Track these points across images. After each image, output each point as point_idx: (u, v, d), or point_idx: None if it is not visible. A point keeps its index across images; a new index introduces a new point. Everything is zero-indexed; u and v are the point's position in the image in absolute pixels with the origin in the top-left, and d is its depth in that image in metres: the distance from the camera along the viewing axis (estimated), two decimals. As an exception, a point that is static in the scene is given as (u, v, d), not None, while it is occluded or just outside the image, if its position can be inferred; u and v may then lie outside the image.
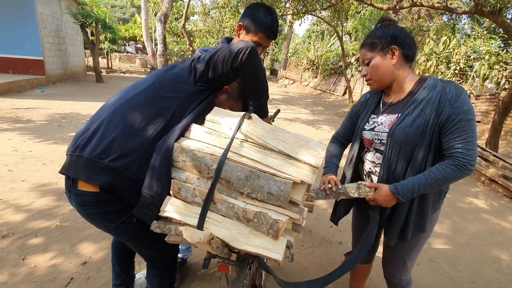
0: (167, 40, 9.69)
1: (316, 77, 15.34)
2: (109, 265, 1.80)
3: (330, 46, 15.87)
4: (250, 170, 0.85)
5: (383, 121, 1.13)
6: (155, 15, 14.02)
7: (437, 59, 7.16)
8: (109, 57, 17.09)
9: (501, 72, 5.81)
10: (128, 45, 28.36)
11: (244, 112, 0.99)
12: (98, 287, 1.65)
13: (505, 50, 6.30)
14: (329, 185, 1.13)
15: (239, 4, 9.32)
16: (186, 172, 0.93)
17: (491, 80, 6.21)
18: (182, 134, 0.97)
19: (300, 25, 15.90)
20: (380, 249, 1.41)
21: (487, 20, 7.81)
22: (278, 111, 2.06)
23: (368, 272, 1.56)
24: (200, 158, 0.89)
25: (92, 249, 1.95)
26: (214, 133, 0.96)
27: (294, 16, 8.89)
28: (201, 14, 11.94)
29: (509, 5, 3.89)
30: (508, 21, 3.97)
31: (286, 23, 18.69)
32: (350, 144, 1.34)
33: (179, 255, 1.78)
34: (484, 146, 4.73)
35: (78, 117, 5.61)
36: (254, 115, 0.97)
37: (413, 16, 10.50)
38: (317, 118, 8.20)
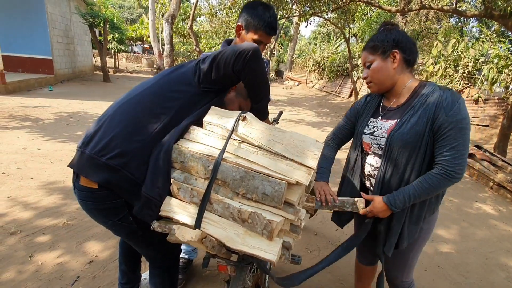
0: (173, 40, 9.76)
1: (321, 78, 15.29)
2: (115, 264, 1.81)
3: (336, 48, 15.83)
4: (245, 170, 0.85)
5: (382, 126, 1.14)
6: (162, 16, 14.14)
7: (445, 62, 7.09)
8: (116, 57, 17.28)
9: (510, 76, 5.72)
10: (135, 45, 28.65)
11: (239, 112, 0.98)
12: (104, 286, 1.65)
13: (514, 54, 6.20)
14: (325, 197, 1.18)
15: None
16: (184, 172, 0.95)
17: (499, 84, 6.11)
18: (182, 135, 0.98)
19: (306, 26, 15.93)
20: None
21: (495, 23, 7.71)
22: (281, 113, 2.05)
23: (373, 274, 1.55)
24: (197, 159, 0.90)
25: (99, 247, 1.97)
26: (212, 134, 0.97)
27: (301, 18, 8.89)
28: (208, 15, 12.00)
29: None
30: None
31: (292, 25, 18.69)
32: (350, 146, 1.34)
33: (185, 256, 1.79)
34: (492, 151, 4.66)
35: (86, 116, 5.68)
36: (249, 115, 0.96)
37: (421, 19, 10.41)
38: (322, 120, 8.17)
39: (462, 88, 6.99)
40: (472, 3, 11.13)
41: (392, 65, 1.07)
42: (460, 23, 12.90)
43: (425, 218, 1.15)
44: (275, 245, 0.83)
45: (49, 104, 6.40)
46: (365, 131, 1.21)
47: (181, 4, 11.02)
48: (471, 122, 6.63)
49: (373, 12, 11.93)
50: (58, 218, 2.26)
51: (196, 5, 9.25)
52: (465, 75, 6.91)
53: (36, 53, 9.49)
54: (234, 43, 1.39)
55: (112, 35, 13.56)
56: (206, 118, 0.99)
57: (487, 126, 6.34)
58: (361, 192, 1.21)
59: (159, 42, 13.21)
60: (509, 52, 5.94)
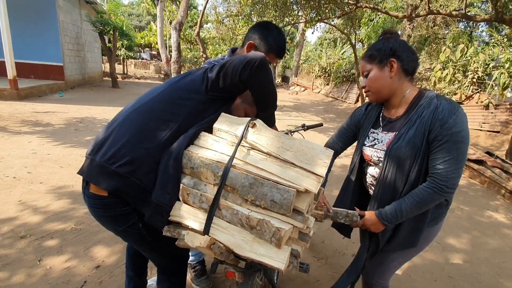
0: (181, 47, 9.92)
1: (328, 84, 15.27)
2: (122, 269, 1.82)
3: (343, 54, 15.82)
4: (254, 177, 0.85)
5: (383, 139, 1.13)
6: (170, 23, 14.40)
7: (453, 67, 7.00)
8: (125, 63, 17.63)
9: (522, 81, 5.61)
10: (144, 51, 29.21)
11: (249, 119, 0.99)
12: (110, 292, 1.66)
13: (526, 59, 6.08)
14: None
15: (252, 12, 9.46)
16: (194, 178, 0.95)
17: (511, 89, 6.00)
18: (192, 142, 0.98)
19: (312, 33, 16.00)
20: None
21: (507, 27, 7.60)
22: (321, 125, 2.04)
23: None
24: (207, 165, 0.91)
25: (106, 252, 1.98)
26: (222, 141, 0.98)
27: (307, 24, 8.94)
28: (215, 22, 12.18)
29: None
30: (530, 29, 3.85)
31: (298, 31, 18.79)
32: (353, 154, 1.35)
33: (196, 259, 1.79)
34: (504, 158, 4.55)
35: (94, 121, 5.77)
36: (258, 122, 0.97)
37: (428, 24, 10.35)
38: (328, 125, 8.12)
39: (472, 93, 6.88)
40: (482, 7, 11.03)
41: (390, 74, 1.06)
42: (469, 28, 12.77)
43: (420, 230, 1.11)
44: (283, 253, 0.83)
45: (60, 109, 6.54)
46: (365, 143, 1.20)
47: (188, 12, 11.22)
48: (481, 128, 6.51)
49: (380, 18, 11.92)
50: (66, 222, 2.28)
51: (203, 13, 9.40)
52: (474, 80, 6.81)
53: (48, 60, 9.75)
54: (241, 53, 1.40)
55: (121, 42, 13.86)
56: (216, 125, 1.00)
57: (498, 132, 6.20)
58: (355, 208, 1.21)
59: (167, 48, 13.44)
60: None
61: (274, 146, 0.91)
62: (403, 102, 1.09)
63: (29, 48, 9.37)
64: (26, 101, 7.14)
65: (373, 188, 1.20)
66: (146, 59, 27.70)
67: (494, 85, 6.32)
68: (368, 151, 1.18)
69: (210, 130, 1.02)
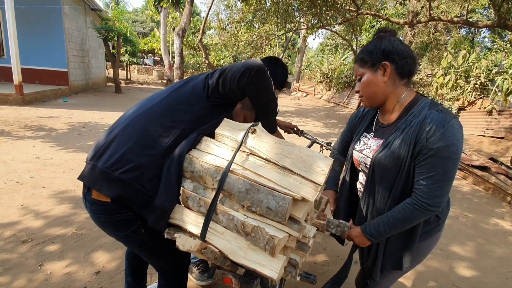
0: (184, 53, 10.02)
1: (329, 90, 15.31)
2: (122, 275, 1.80)
3: (344, 60, 15.89)
4: (250, 183, 0.85)
5: (371, 145, 1.08)
6: (173, 29, 14.59)
7: (455, 73, 7.01)
8: (128, 69, 17.82)
9: (526, 87, 5.59)
10: (147, 57, 29.52)
11: (250, 124, 0.99)
12: (110, 298, 1.64)
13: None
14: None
15: (254, 19, 9.57)
16: (194, 182, 0.95)
17: (515, 95, 5.97)
18: (194, 146, 0.99)
19: (314, 39, 16.10)
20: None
21: (510, 33, 7.61)
22: (329, 144, 2.04)
23: None
24: (206, 169, 0.91)
25: (106, 258, 1.97)
26: (223, 146, 0.98)
27: (308, 31, 9.01)
28: (217, 28, 12.32)
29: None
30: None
31: (299, 37, 18.94)
32: None
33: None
34: (509, 164, 4.50)
35: (97, 126, 5.81)
36: (258, 128, 0.97)
37: (429, 30, 10.39)
38: (330, 131, 8.12)
39: (474, 99, 6.86)
40: (484, 13, 11.07)
41: (383, 78, 0.98)
42: (470, 34, 12.80)
43: (408, 247, 1.05)
44: (277, 261, 0.81)
45: (63, 114, 6.60)
46: (356, 146, 1.16)
47: (191, 18, 11.36)
48: (484, 134, 6.47)
49: (381, 24, 12.00)
50: (67, 227, 2.28)
51: (206, 19, 9.52)
52: (477, 86, 6.79)
53: (53, 65, 9.88)
54: None
55: (125, 48, 14.05)
56: (218, 130, 1.00)
57: (502, 138, 6.16)
58: (350, 218, 1.17)
59: (169, 54, 13.59)
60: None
61: (273, 152, 0.91)
62: (397, 107, 1.02)
63: (35, 54, 9.52)
64: (30, 106, 7.22)
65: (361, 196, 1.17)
66: (149, 65, 27.98)
67: (497, 90, 6.30)
68: (357, 156, 1.15)
69: (212, 135, 1.02)
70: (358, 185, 1.19)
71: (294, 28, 9.17)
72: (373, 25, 12.13)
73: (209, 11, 9.51)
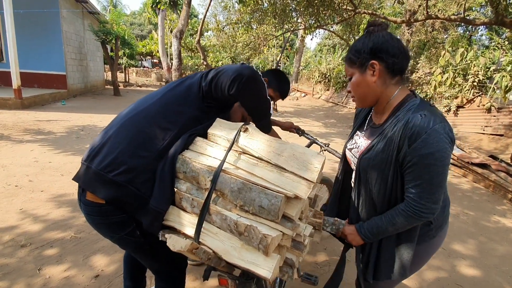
0: (182, 55, 10.02)
1: (328, 90, 15.32)
2: (121, 279, 1.78)
3: (342, 59, 15.90)
4: (242, 182, 0.84)
5: (360, 145, 1.05)
6: (171, 31, 14.60)
7: (453, 71, 7.01)
8: (126, 72, 17.82)
9: (524, 84, 5.58)
10: (145, 60, 29.53)
11: (242, 124, 0.98)
12: (110, 302, 1.63)
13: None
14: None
15: (251, 20, 9.58)
16: (187, 183, 0.94)
17: (513, 92, 5.97)
18: (187, 146, 0.98)
19: (311, 39, 16.11)
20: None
21: (507, 30, 7.63)
22: (327, 144, 2.06)
23: None
24: (198, 169, 0.90)
25: (105, 261, 1.95)
26: (216, 145, 0.97)
27: (306, 31, 9.02)
28: (215, 30, 12.33)
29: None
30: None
31: (297, 38, 18.97)
32: None
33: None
34: (509, 161, 4.50)
35: (96, 129, 5.80)
36: (251, 127, 0.96)
37: (427, 29, 10.41)
38: (329, 130, 8.11)
39: (473, 97, 6.86)
40: (481, 11, 11.10)
41: (372, 78, 0.92)
42: (468, 32, 12.83)
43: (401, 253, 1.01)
44: (271, 261, 0.80)
45: (62, 117, 6.59)
46: (348, 144, 1.14)
47: (189, 20, 11.37)
48: (483, 132, 6.47)
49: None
50: (66, 231, 2.26)
51: (203, 21, 9.52)
52: (475, 84, 6.80)
53: (51, 69, 9.88)
54: None
55: (123, 50, 14.06)
56: (211, 130, 0.99)
57: (501, 135, 6.16)
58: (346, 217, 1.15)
59: (168, 56, 13.59)
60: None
61: (265, 150, 0.90)
62: (388, 107, 0.97)
63: (33, 58, 9.52)
64: (29, 110, 7.20)
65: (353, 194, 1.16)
66: (148, 67, 28.00)
67: (495, 88, 6.31)
68: (348, 154, 1.13)
69: (205, 135, 1.01)
70: (351, 183, 1.17)
71: (291, 29, 9.18)
72: (370, 24, 12.14)
73: (206, 13, 9.52)
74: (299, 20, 9.00)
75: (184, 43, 15.81)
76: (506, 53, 6.44)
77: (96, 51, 13.31)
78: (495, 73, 6.33)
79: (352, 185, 1.15)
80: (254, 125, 1.01)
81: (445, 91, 7.34)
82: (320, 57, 21.41)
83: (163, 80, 16.23)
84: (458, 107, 7.14)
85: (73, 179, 1.00)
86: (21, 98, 7.22)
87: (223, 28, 11.84)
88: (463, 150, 4.97)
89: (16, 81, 7.05)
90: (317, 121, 9.80)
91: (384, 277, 1.03)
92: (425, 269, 2.17)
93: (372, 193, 0.99)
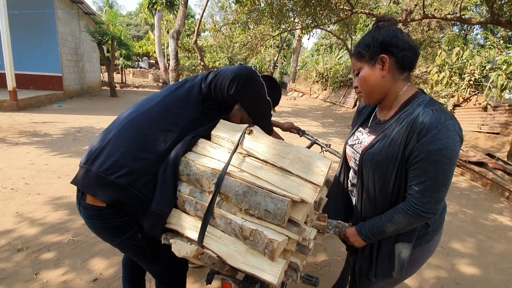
0: (179, 55, 9.99)
1: (325, 89, 15.35)
2: (120, 282, 1.76)
3: (339, 59, 15.96)
4: (247, 185, 0.82)
5: (363, 141, 1.03)
6: (168, 32, 14.55)
7: (450, 70, 7.05)
8: (123, 73, 17.74)
9: (520, 82, 5.63)
10: (142, 60, 29.43)
11: (246, 125, 0.97)
12: (109, 306, 1.61)
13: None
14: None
15: (248, 20, 9.56)
16: (190, 185, 0.93)
17: (509, 91, 6.02)
18: (190, 148, 0.97)
19: (308, 39, 16.11)
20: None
21: (502, 29, 7.69)
22: (329, 146, 2.04)
23: None
24: (202, 172, 0.89)
25: (103, 265, 1.93)
26: (219, 147, 0.96)
27: (303, 31, 9.03)
28: (212, 30, 12.30)
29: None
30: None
31: (294, 37, 18.99)
32: None
33: None
34: (505, 159, 4.53)
35: (93, 130, 5.76)
36: (255, 129, 0.95)
37: (423, 28, 10.46)
38: (327, 130, 8.12)
39: (469, 95, 6.91)
40: (476, 10, 11.18)
41: (381, 73, 0.91)
42: (463, 31, 12.92)
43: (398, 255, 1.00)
44: (277, 266, 0.79)
45: (58, 119, 6.53)
46: (349, 141, 1.11)
47: (185, 21, 11.34)
48: (480, 130, 6.52)
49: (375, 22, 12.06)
50: (63, 234, 2.24)
51: (200, 21, 9.50)
52: (471, 82, 6.84)
53: (47, 70, 9.80)
54: None
55: (119, 51, 13.98)
56: (214, 131, 0.98)
57: (498, 133, 6.20)
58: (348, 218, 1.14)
59: (164, 57, 13.55)
60: (518, 58, 5.85)
61: (270, 153, 0.88)
62: (395, 103, 0.95)
63: (29, 59, 9.44)
64: (24, 112, 7.14)
65: (351, 194, 1.14)
66: (145, 68, 27.92)
67: (491, 86, 6.36)
68: (348, 150, 1.10)
69: (208, 137, 1.00)
70: (349, 183, 1.15)
71: (288, 29, 9.18)
72: (367, 24, 12.19)
73: (203, 13, 9.50)
74: (296, 20, 9.01)
75: (181, 43, 15.77)
76: (501, 52, 6.49)
77: (92, 52, 13.23)
78: (490, 72, 6.38)
79: (350, 184, 1.14)
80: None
81: (441, 90, 7.38)
82: (317, 57, 21.46)
83: (160, 80, 16.16)
84: (455, 105, 7.19)
85: (71, 182, 0.98)
86: (16, 100, 7.15)
87: (220, 28, 11.82)
88: (461, 149, 5.00)
89: (11, 83, 6.98)
90: (314, 120, 9.81)
91: (382, 276, 1.03)
92: (425, 268, 2.17)
93: (374, 190, 0.97)
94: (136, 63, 27.74)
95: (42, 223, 2.36)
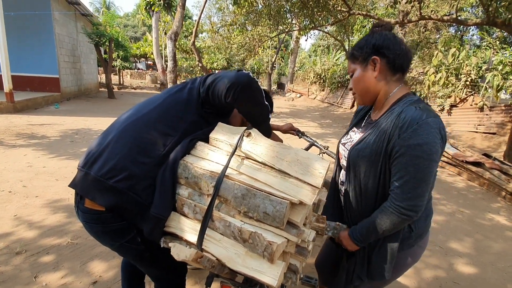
0: (176, 56, 9.99)
1: (323, 90, 15.40)
2: (119, 285, 1.75)
3: (337, 60, 16.03)
4: (246, 188, 0.83)
5: (355, 139, 1.05)
6: (165, 33, 14.54)
7: (446, 70, 7.11)
8: (120, 74, 17.68)
9: (516, 83, 5.69)
10: (139, 62, 29.32)
11: (244, 128, 0.97)
12: (109, 308, 1.60)
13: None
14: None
15: (246, 21, 9.59)
16: (189, 188, 0.93)
17: (505, 91, 6.08)
18: (188, 151, 0.97)
19: (306, 40, 16.21)
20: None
21: (497, 30, 7.77)
22: (328, 148, 2.02)
23: None
24: (201, 175, 0.89)
25: (103, 267, 1.92)
26: (218, 150, 0.96)
27: (301, 32, 9.06)
28: (210, 32, 12.31)
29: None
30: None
31: (292, 39, 19.04)
32: None
33: None
34: (502, 159, 4.57)
35: (90, 132, 5.73)
36: (253, 131, 0.95)
37: (419, 29, 10.55)
38: (325, 131, 8.14)
39: (466, 96, 6.97)
40: (472, 11, 11.28)
41: (373, 74, 0.94)
42: (459, 32, 13.03)
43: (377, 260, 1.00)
44: (276, 268, 0.79)
45: (55, 121, 6.50)
46: (342, 140, 1.13)
47: (183, 22, 11.33)
48: (476, 130, 6.57)
49: (372, 24, 12.14)
50: (62, 237, 2.23)
51: (198, 23, 9.49)
52: (467, 83, 6.90)
53: (44, 72, 9.76)
54: None
55: (117, 53, 13.94)
56: (213, 134, 0.98)
57: (494, 133, 6.26)
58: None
59: (162, 58, 13.53)
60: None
61: (269, 155, 0.89)
62: (387, 103, 0.97)
63: (25, 61, 9.39)
64: (21, 113, 7.10)
65: (340, 194, 1.14)
66: (142, 69, 27.84)
67: (487, 87, 6.41)
68: (341, 149, 1.12)
69: (207, 140, 1.00)
70: (339, 182, 1.15)
71: (286, 30, 9.21)
72: (364, 25, 12.26)
73: (201, 14, 9.50)
74: (293, 21, 9.05)
75: (179, 44, 15.75)
76: (497, 52, 6.56)
77: (89, 53, 13.18)
78: (486, 72, 6.44)
79: (339, 182, 1.14)
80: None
81: (438, 91, 7.44)
82: (315, 58, 21.54)
83: (158, 82, 16.14)
84: (452, 106, 7.24)
85: (69, 185, 0.98)
86: (13, 101, 7.11)
87: (217, 29, 11.83)
88: (457, 149, 5.04)
89: (7, 85, 6.94)
90: (312, 121, 9.84)
91: (374, 276, 1.03)
92: (423, 268, 2.19)
93: (361, 188, 0.98)
94: (134, 64, 27.64)
95: (40, 226, 2.35)
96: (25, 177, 3.27)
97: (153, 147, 0.94)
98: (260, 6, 8.36)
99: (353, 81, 0.99)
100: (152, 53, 16.60)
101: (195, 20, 11.87)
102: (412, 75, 9.30)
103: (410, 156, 0.83)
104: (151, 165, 0.92)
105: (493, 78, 5.80)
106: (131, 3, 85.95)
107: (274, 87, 21.35)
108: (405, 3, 5.47)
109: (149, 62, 28.35)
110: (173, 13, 12.52)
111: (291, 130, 1.98)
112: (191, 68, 18.03)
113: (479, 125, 6.60)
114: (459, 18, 5.03)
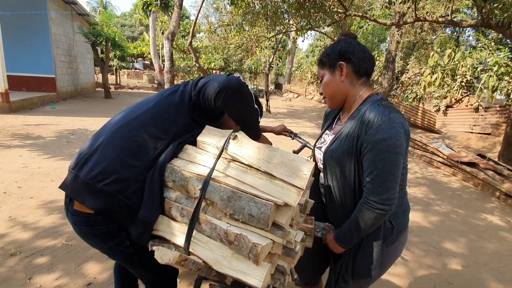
0: (174, 56, 9.96)
1: (320, 90, 15.44)
2: (113, 287, 1.76)
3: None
4: (232, 190, 0.83)
5: (328, 140, 1.09)
6: (163, 33, 14.50)
7: (442, 71, 7.16)
8: (117, 74, 17.60)
9: (511, 83, 5.75)
10: (136, 61, 29.22)
11: (231, 131, 0.98)
12: (103, 310, 1.60)
13: (513, 61, 6.23)
14: None
15: (243, 22, 9.58)
16: (176, 191, 0.93)
17: (500, 92, 6.14)
18: (176, 154, 0.97)
19: (303, 41, 16.24)
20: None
21: (493, 31, 7.84)
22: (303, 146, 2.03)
23: None
24: (187, 178, 0.89)
25: (97, 269, 1.92)
26: (205, 153, 0.96)
27: (298, 32, 9.07)
28: (207, 32, 12.29)
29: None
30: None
31: (289, 39, 19.07)
32: None
33: None
34: (496, 160, 4.61)
35: (87, 133, 5.71)
36: (240, 134, 0.96)
37: (416, 30, 10.61)
38: (323, 131, 8.17)
39: (461, 96, 7.03)
40: (467, 12, 11.36)
41: (340, 78, 1.01)
42: (455, 33, 13.12)
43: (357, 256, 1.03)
44: (261, 270, 0.79)
45: (51, 121, 6.46)
46: (317, 143, 1.16)
47: (180, 22, 11.31)
48: (472, 131, 6.63)
49: (369, 25, 12.19)
50: (57, 238, 2.22)
51: (195, 23, 9.48)
52: (463, 84, 6.96)
53: (40, 72, 9.69)
54: None
55: (113, 52, 13.87)
56: (200, 137, 0.99)
57: (489, 134, 6.32)
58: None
59: (159, 58, 13.49)
60: (509, 59, 5.97)
61: (255, 158, 0.89)
62: (354, 105, 1.03)
63: (21, 61, 9.32)
64: (17, 114, 7.04)
65: (323, 197, 1.16)
66: (139, 69, 27.74)
67: (483, 88, 6.47)
68: (317, 153, 1.15)
69: (195, 143, 1.01)
70: (319, 185, 1.17)
71: (283, 30, 9.23)
72: (361, 26, 12.32)
73: (198, 14, 9.49)
74: (290, 22, 9.06)
75: (176, 44, 15.70)
76: (493, 53, 6.62)
77: (86, 53, 13.12)
78: (482, 73, 6.50)
79: (320, 186, 1.16)
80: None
81: (434, 91, 7.50)
82: (313, 57, 21.57)
83: (155, 82, 16.09)
84: (447, 106, 7.30)
85: (60, 187, 0.97)
86: (8, 101, 7.06)
87: (215, 29, 11.81)
88: (452, 149, 5.08)
89: (3, 85, 6.89)
90: (310, 121, 9.86)
91: (358, 277, 1.05)
92: (417, 268, 2.21)
93: (339, 189, 1.01)
94: (131, 64, 27.50)
95: (35, 227, 2.34)
96: (20, 178, 3.25)
97: (143, 150, 0.94)
98: (257, 6, 8.36)
99: (323, 85, 1.06)
100: (149, 53, 16.55)
101: (193, 20, 11.83)
102: (409, 76, 9.36)
103: (377, 151, 0.88)
104: (141, 168, 0.92)
105: (488, 79, 5.85)
106: (128, 3, 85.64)
107: (271, 87, 21.36)
108: (400, 3, 5.49)
109: (146, 62, 28.23)
110: (170, 13, 12.48)
111: (284, 131, 1.99)
112: (189, 68, 17.98)
113: (474, 125, 6.66)
114: (454, 19, 5.07)
